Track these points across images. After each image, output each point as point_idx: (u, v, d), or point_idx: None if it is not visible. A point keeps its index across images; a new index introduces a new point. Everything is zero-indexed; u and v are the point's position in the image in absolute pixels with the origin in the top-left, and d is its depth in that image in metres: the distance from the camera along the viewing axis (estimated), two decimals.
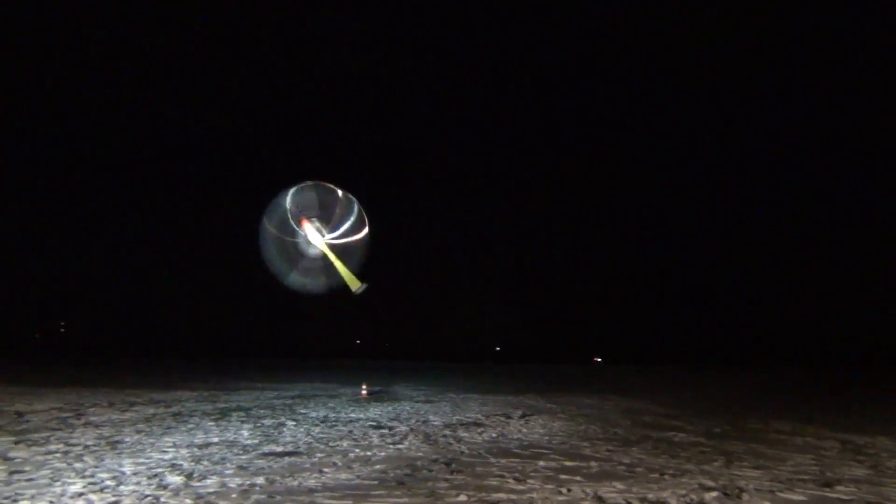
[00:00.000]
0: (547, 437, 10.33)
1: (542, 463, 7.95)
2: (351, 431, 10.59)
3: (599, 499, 6.11)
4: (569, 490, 6.44)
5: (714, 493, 6.48)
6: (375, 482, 6.67)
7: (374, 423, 11.74)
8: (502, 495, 6.14)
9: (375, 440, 9.69)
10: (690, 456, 8.82)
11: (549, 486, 6.57)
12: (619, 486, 6.71)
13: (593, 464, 7.98)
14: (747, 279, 71.97)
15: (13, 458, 7.44)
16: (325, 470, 7.25)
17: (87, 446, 8.43)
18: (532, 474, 7.21)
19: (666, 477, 7.26)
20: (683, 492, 6.49)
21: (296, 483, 6.54)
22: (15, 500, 5.52)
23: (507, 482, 6.76)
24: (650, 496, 6.27)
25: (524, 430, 11.28)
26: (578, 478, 7.07)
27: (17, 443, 8.55)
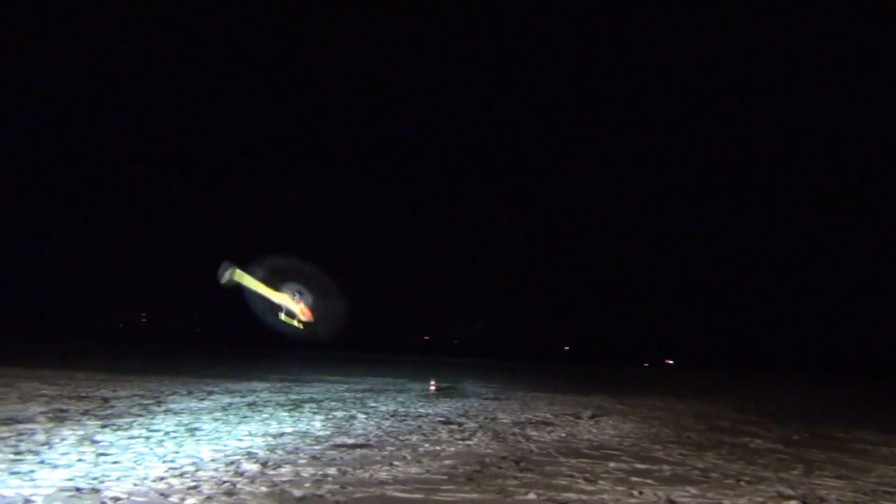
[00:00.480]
0: (617, 439, 10.20)
1: (612, 464, 7.85)
2: (420, 426, 10.68)
3: (672, 503, 6.00)
4: (640, 493, 6.34)
5: (793, 503, 6.28)
6: (445, 477, 6.70)
7: (442, 419, 11.81)
8: (572, 495, 6.09)
9: (444, 436, 9.74)
10: (768, 463, 8.56)
11: (621, 488, 6.48)
12: (693, 490, 6.57)
13: (666, 467, 7.84)
14: (828, 284, 69.30)
15: (100, 442, 7.78)
16: (396, 463, 7.34)
17: (167, 432, 8.74)
18: (603, 475, 7.13)
19: (742, 483, 7.07)
20: (761, 499, 6.31)
21: (367, 475, 6.63)
22: (102, 482, 5.77)
23: (577, 482, 6.70)
24: (725, 502, 6.12)
25: (594, 430, 11.16)
26: (650, 481, 6.95)
27: (103, 427, 8.94)
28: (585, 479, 6.86)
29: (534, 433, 10.44)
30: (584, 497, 6.04)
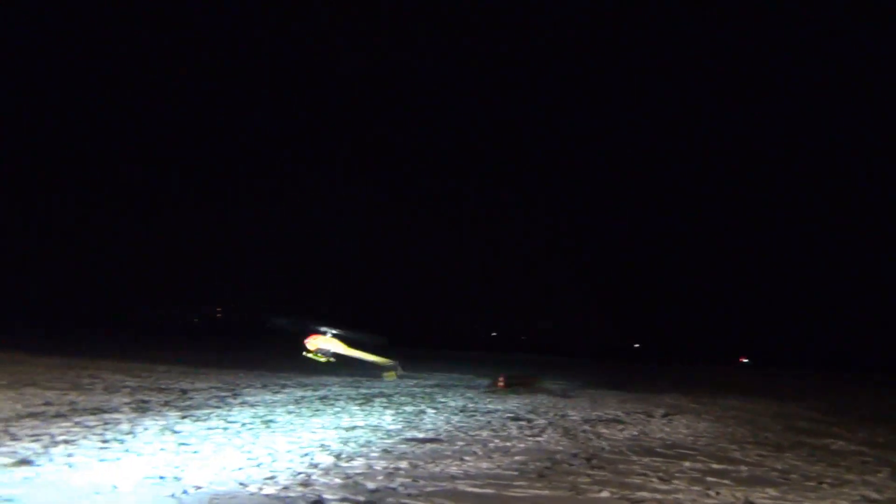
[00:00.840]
0: (691, 438, 9.97)
1: (687, 464, 7.69)
2: (490, 422, 10.68)
3: None
4: (717, 493, 6.19)
5: None
6: (516, 473, 6.68)
7: (512, 415, 11.78)
8: (646, 494, 5.99)
9: (514, 432, 9.71)
10: (851, 465, 8.25)
11: (696, 488, 6.34)
12: (773, 492, 6.38)
13: (743, 468, 7.63)
14: None
15: (180, 432, 8.05)
16: (466, 458, 7.35)
17: (243, 424, 8.98)
18: (677, 475, 6.98)
19: (824, 486, 6.83)
20: (844, 503, 6.08)
21: (438, 469, 6.67)
22: (183, 470, 5.97)
23: (651, 481, 6.59)
24: None
25: (667, 429, 10.94)
26: (727, 481, 6.78)
27: (183, 417, 9.25)
28: (659, 479, 6.73)
29: (605, 431, 10.31)
30: (658, 496, 5.94)
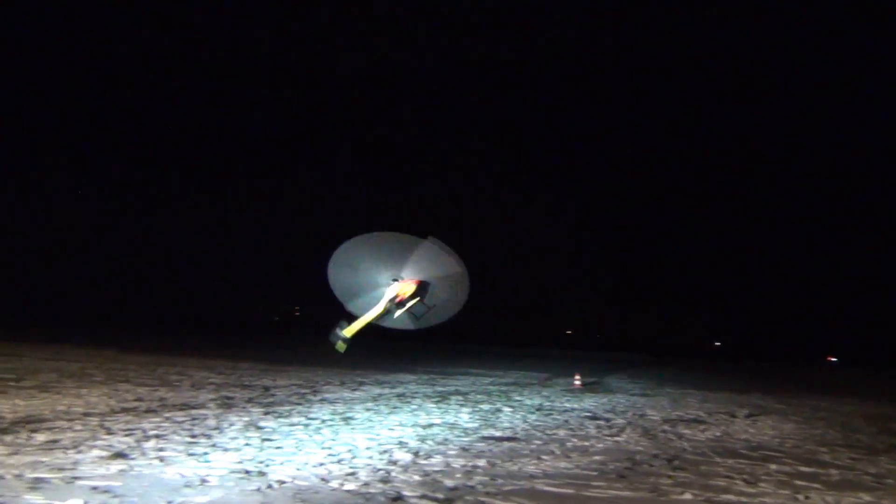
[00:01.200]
0: (778, 440, 9.65)
1: (773, 466, 7.44)
2: (567, 421, 10.59)
3: None
4: (806, 497, 5.97)
5: None
6: (595, 473, 6.61)
7: (589, 414, 11.65)
8: (731, 497, 5.83)
9: (592, 431, 9.61)
10: None
11: (784, 492, 6.14)
12: (866, 497, 6.12)
13: (833, 471, 7.34)
14: None
15: (264, 428, 8.28)
16: (544, 457, 7.31)
17: (324, 420, 9.17)
18: (763, 478, 6.77)
19: None
20: None
21: (515, 468, 6.66)
22: (267, 465, 6.14)
23: (736, 484, 6.41)
24: None
25: (751, 430, 10.62)
26: (817, 485, 6.53)
27: (266, 414, 9.51)
28: (744, 481, 6.54)
29: (686, 431, 10.09)
30: (743, 499, 5.77)
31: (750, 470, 7.16)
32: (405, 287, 9.55)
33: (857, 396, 20.43)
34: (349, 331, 9.33)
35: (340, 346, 9.37)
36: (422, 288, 9.63)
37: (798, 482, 6.63)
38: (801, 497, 5.98)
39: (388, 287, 9.68)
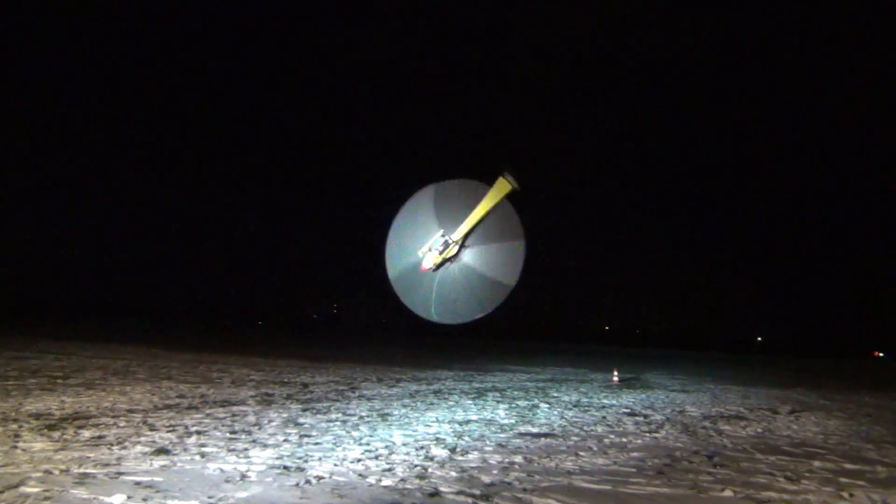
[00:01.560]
0: (822, 437, 9.46)
1: (817, 463, 7.30)
2: (604, 417, 10.52)
3: None
4: (851, 495, 5.85)
5: None
6: (633, 469, 6.56)
7: (627, 411, 11.56)
8: (773, 494, 5.74)
9: (630, 427, 9.53)
10: None
11: (828, 489, 6.02)
12: None
13: (880, 468, 7.17)
14: None
15: (302, 424, 8.37)
16: (581, 454, 7.27)
17: (361, 416, 9.24)
18: (806, 475, 6.64)
19: None
20: None
21: (553, 464, 6.63)
22: (306, 461, 6.20)
23: (778, 481, 6.30)
24: None
25: (794, 426, 10.43)
26: (862, 483, 6.39)
27: (304, 410, 9.61)
28: (786, 478, 6.43)
29: (726, 428, 9.94)
30: (786, 497, 5.67)
31: (792, 467, 7.03)
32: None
33: None
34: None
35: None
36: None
37: (842, 479, 6.50)
38: (845, 495, 5.85)
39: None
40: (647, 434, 8.97)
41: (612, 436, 8.67)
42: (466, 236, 7.22)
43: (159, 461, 5.89)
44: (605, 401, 13.11)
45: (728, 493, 5.74)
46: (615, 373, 20.28)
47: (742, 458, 7.48)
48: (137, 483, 5.10)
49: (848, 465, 7.26)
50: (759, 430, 9.81)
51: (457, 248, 7.29)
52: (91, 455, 6.00)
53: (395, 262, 7.63)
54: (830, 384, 22.38)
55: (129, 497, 4.71)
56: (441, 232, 7.23)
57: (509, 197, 7.25)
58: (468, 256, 7.55)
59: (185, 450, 6.43)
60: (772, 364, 40.85)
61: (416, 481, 5.63)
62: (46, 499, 4.62)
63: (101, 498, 4.68)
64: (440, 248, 7.30)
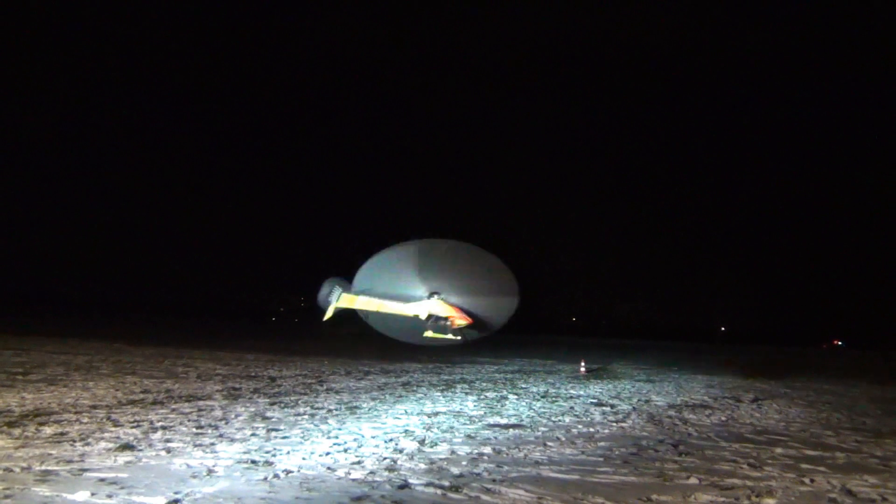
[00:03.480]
0: (783, 424, 9.66)
1: (779, 450, 7.44)
2: (572, 407, 10.61)
3: (849, 492, 5.60)
4: (812, 480, 5.97)
5: None
6: (601, 459, 6.62)
7: (594, 401, 11.67)
8: (737, 481, 5.84)
9: (597, 417, 9.62)
10: None
11: (790, 475, 6.14)
12: (872, 479, 6.11)
13: (839, 454, 7.34)
14: None
15: (270, 418, 8.31)
16: (550, 444, 7.33)
17: (330, 410, 9.20)
18: (769, 461, 6.77)
19: None
20: None
21: (521, 455, 6.67)
22: (274, 455, 6.16)
23: (741, 468, 6.41)
24: None
25: (757, 414, 10.63)
26: (823, 468, 6.53)
27: (272, 404, 9.54)
28: (750, 465, 6.55)
29: (691, 416, 10.10)
30: (749, 483, 5.77)
31: (755, 454, 7.16)
32: (456, 315, 7.72)
33: (863, 379, 20.44)
34: (346, 301, 7.48)
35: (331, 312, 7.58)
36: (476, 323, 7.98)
37: (804, 465, 6.63)
38: (806, 480, 5.98)
39: (424, 299, 7.73)
40: (614, 424, 9.07)
41: (579, 426, 8.75)
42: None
43: (124, 457, 5.80)
44: (572, 391, 13.22)
45: (693, 480, 5.82)
46: (582, 363, 20.46)
47: (706, 445, 7.60)
48: (101, 479, 5.01)
49: (809, 452, 7.42)
50: (723, 419, 9.97)
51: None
52: (53, 452, 5.88)
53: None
54: (792, 372, 22.85)
55: (92, 494, 4.63)
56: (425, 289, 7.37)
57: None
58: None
59: (151, 445, 6.35)
60: (735, 353, 41.55)
61: (386, 473, 5.62)
62: (7, 497, 4.52)
63: (63, 495, 4.59)
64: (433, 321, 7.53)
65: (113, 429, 7.11)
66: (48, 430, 6.87)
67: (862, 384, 18.37)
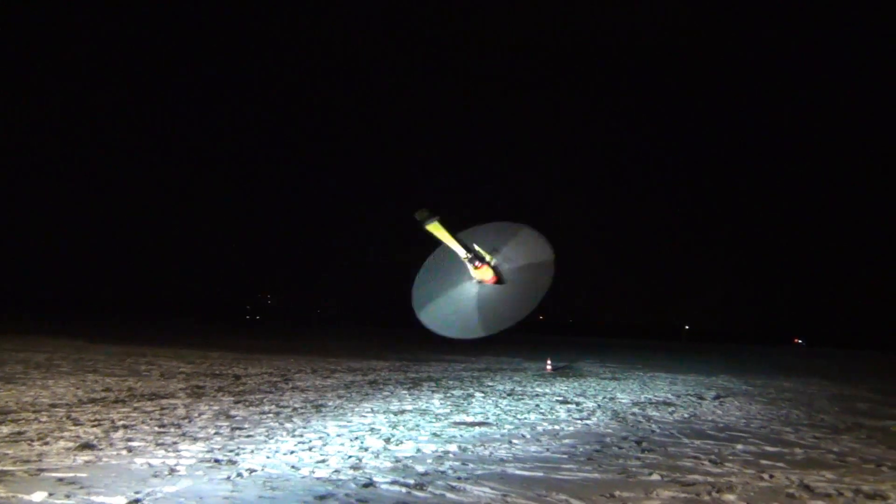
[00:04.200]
0: (744, 421, 9.82)
1: (740, 446, 7.57)
2: (538, 405, 10.67)
3: (806, 487, 5.72)
4: (771, 476, 6.08)
5: None
6: (565, 456, 6.67)
7: (560, 398, 11.75)
8: (698, 477, 5.92)
9: (563, 415, 9.69)
10: None
11: (749, 471, 6.25)
12: (829, 475, 6.24)
13: (798, 450, 7.48)
14: None
15: (234, 416, 8.23)
16: (515, 442, 7.37)
17: (295, 408, 9.13)
18: (730, 458, 6.88)
19: (884, 469, 6.65)
20: None
21: (487, 453, 6.69)
22: (238, 454, 6.10)
23: (703, 464, 6.51)
24: (865, 488, 5.78)
25: (718, 411, 10.80)
26: (782, 464, 6.66)
27: (236, 403, 9.45)
28: (711, 461, 6.65)
29: (655, 413, 10.22)
30: (710, 479, 5.86)
31: (716, 450, 7.28)
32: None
33: (821, 377, 20.87)
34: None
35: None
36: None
37: (763, 461, 6.75)
38: (766, 476, 6.09)
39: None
40: (579, 421, 9.15)
41: (544, 423, 8.81)
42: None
43: (83, 456, 5.70)
44: (538, 389, 13.30)
45: (655, 476, 5.90)
46: (548, 361, 20.59)
47: (669, 442, 7.70)
48: (60, 479, 4.92)
49: (768, 448, 7.56)
50: (686, 416, 10.11)
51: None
52: (10, 452, 5.76)
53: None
54: (753, 370, 23.25)
55: (50, 494, 4.55)
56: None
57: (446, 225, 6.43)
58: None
59: (111, 444, 6.25)
60: (699, 351, 42.15)
61: (351, 472, 5.60)
62: None
63: (20, 496, 4.50)
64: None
65: (72, 428, 6.99)
66: (5, 430, 6.72)
67: (820, 381, 18.76)
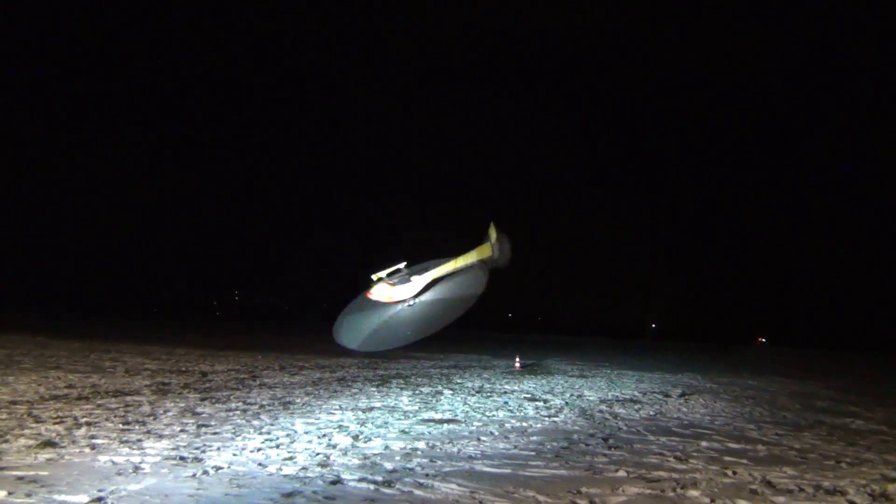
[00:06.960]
0: (709, 418, 9.96)
1: (704, 443, 7.68)
2: (506, 402, 10.71)
3: (769, 483, 5.82)
4: (734, 472, 6.18)
5: None
6: (533, 453, 6.71)
7: (528, 396, 11.81)
8: (663, 473, 6.00)
9: (531, 412, 9.74)
10: (870, 444, 8.21)
11: (714, 468, 6.34)
12: (790, 471, 6.36)
13: (760, 447, 7.61)
14: None
15: (201, 413, 8.14)
16: (483, 439, 7.39)
17: (262, 405, 9.06)
18: (694, 454, 6.98)
19: (843, 465, 6.80)
20: (864, 482, 6.05)
21: (455, 450, 6.71)
22: (204, 451, 6.04)
23: (668, 461, 6.59)
24: (825, 484, 5.90)
25: (684, 409, 10.94)
26: (745, 461, 6.77)
27: (203, 400, 9.35)
28: (676, 458, 6.74)
29: (622, 411, 10.32)
30: (675, 475, 5.94)
31: (682, 447, 7.37)
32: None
33: (784, 375, 21.25)
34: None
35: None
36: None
37: (727, 458, 6.86)
38: (729, 472, 6.18)
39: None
40: (547, 418, 9.20)
41: (513, 420, 8.85)
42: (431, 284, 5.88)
43: (45, 454, 5.60)
44: (506, 386, 13.35)
45: (622, 473, 5.96)
46: (517, 359, 20.67)
47: (635, 439, 7.79)
48: (20, 478, 4.83)
49: (732, 445, 7.68)
50: (652, 413, 10.23)
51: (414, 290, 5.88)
52: None
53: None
54: (717, 368, 23.59)
55: (9, 493, 4.46)
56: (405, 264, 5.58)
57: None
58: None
59: (74, 442, 6.14)
60: (665, 350, 42.65)
61: (318, 469, 5.58)
62: None
63: None
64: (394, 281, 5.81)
65: (34, 425, 6.85)
66: None
67: (782, 380, 19.10)
